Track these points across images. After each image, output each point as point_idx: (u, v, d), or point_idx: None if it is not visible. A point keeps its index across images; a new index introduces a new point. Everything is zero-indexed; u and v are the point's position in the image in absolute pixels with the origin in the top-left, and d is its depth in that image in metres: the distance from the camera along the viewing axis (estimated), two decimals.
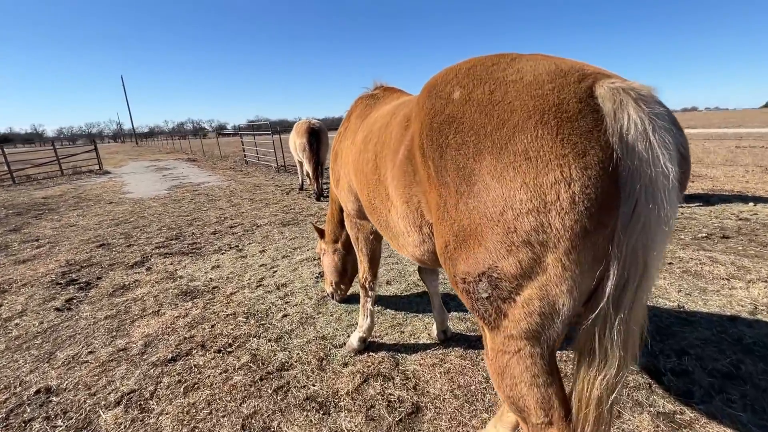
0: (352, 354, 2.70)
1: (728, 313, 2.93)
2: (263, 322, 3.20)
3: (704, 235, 4.71)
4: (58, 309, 3.59)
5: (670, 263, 3.87)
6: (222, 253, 5.02)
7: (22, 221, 7.56)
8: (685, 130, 0.98)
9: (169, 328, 3.16)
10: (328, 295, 3.50)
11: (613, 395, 1.02)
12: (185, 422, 2.14)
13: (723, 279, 3.47)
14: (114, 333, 3.12)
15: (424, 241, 1.53)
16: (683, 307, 3.07)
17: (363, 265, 2.59)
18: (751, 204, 5.97)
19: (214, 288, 3.93)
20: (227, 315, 3.34)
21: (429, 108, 1.21)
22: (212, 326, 3.16)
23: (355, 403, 2.24)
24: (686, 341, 2.63)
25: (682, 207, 6.04)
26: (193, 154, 27.55)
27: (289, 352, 2.76)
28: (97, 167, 17.26)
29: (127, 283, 4.15)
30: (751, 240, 4.44)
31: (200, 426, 2.10)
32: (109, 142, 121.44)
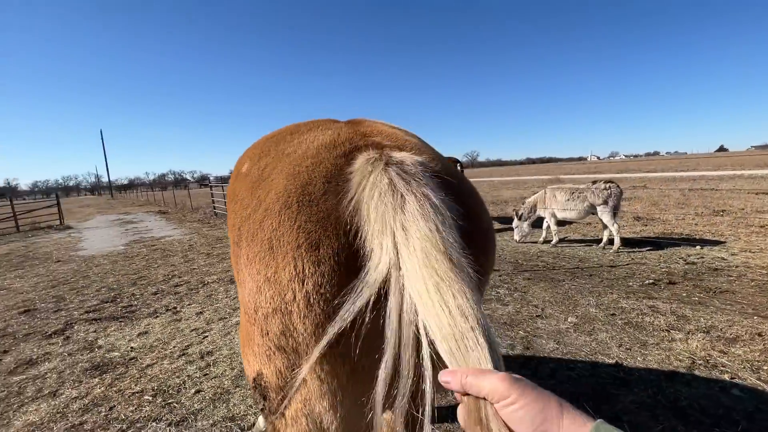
0: None
1: (666, 370, 2.80)
2: (171, 400, 2.85)
3: (651, 281, 4.69)
4: None
5: (612, 314, 3.77)
6: (156, 317, 4.65)
7: None
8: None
9: (59, 413, 2.77)
10: None
11: None
12: None
13: (663, 330, 3.37)
14: None
15: None
16: (621, 364, 2.92)
17: None
18: (698, 247, 6.09)
19: (131, 360, 3.56)
20: (133, 393, 2.97)
21: (231, 179, 1.14)
22: (110, 409, 2.79)
23: None
24: (621, 405, 2.45)
25: (633, 252, 6.12)
26: (165, 206, 27.08)
27: None
28: (58, 222, 16.60)
29: (34, 357, 3.73)
30: (695, 285, 4.44)
31: None
32: (86, 195, 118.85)
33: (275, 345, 0.79)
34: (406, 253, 0.69)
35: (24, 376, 3.36)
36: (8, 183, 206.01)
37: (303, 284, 0.74)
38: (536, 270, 5.54)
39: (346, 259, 0.75)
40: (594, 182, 6.47)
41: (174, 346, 3.78)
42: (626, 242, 6.57)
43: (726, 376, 2.67)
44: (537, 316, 3.92)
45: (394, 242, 0.71)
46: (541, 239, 7.21)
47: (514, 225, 7.30)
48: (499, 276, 5.31)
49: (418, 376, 0.64)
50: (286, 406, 0.83)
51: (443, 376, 0.57)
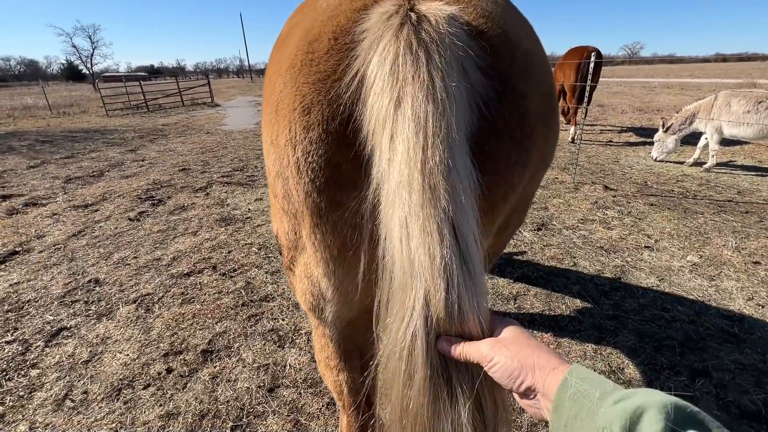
0: None
1: None
2: (270, 255, 3.45)
3: None
4: (130, 219, 4.38)
5: (755, 263, 2.98)
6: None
7: (140, 144, 9.12)
8: None
9: (196, 247, 3.63)
10: None
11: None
12: (170, 327, 2.52)
13: None
14: (157, 245, 3.72)
15: None
16: (742, 318, 2.39)
17: None
18: None
19: (247, 218, 4.33)
20: (245, 244, 3.68)
21: None
22: (229, 252, 3.53)
23: (309, 343, 2.35)
24: (717, 360, 2.09)
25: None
26: None
27: (278, 285, 2.96)
28: (209, 100, 19.55)
29: (186, 205, 4.82)
30: None
31: (179, 333, 2.46)
32: (232, 77, 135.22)
33: (282, 207, 0.81)
34: (389, 169, 0.60)
35: (178, 217, 4.42)
36: (178, 63, 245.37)
37: (294, 150, 0.69)
38: (667, 196, 4.56)
39: (336, 129, 0.66)
40: None
41: None
42: None
43: None
44: (646, 246, 3.35)
45: (381, 152, 0.61)
46: (691, 160, 5.73)
47: (655, 138, 5.88)
48: (614, 197, 4.55)
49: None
50: (294, 264, 0.88)
51: (440, 345, 0.57)
